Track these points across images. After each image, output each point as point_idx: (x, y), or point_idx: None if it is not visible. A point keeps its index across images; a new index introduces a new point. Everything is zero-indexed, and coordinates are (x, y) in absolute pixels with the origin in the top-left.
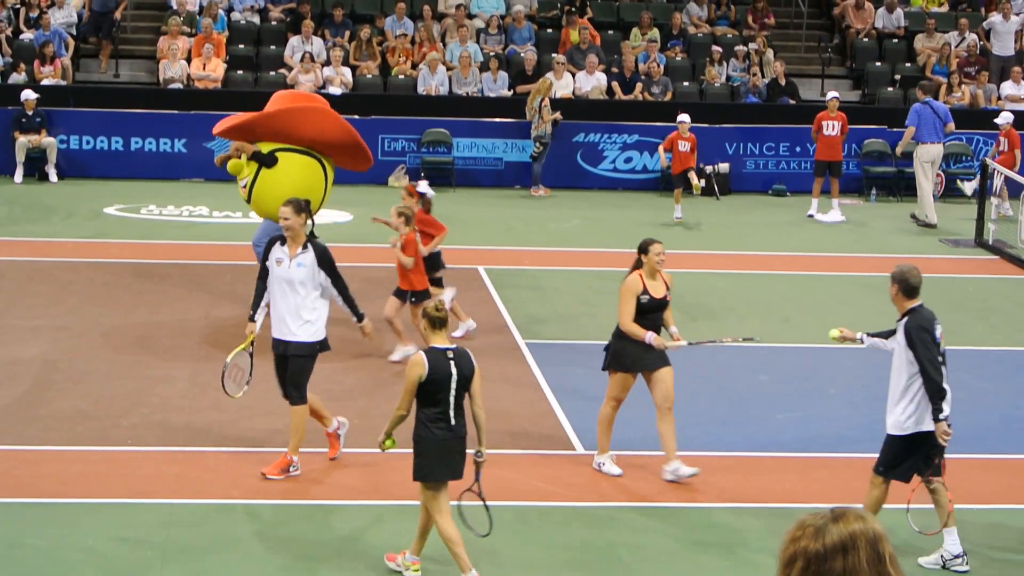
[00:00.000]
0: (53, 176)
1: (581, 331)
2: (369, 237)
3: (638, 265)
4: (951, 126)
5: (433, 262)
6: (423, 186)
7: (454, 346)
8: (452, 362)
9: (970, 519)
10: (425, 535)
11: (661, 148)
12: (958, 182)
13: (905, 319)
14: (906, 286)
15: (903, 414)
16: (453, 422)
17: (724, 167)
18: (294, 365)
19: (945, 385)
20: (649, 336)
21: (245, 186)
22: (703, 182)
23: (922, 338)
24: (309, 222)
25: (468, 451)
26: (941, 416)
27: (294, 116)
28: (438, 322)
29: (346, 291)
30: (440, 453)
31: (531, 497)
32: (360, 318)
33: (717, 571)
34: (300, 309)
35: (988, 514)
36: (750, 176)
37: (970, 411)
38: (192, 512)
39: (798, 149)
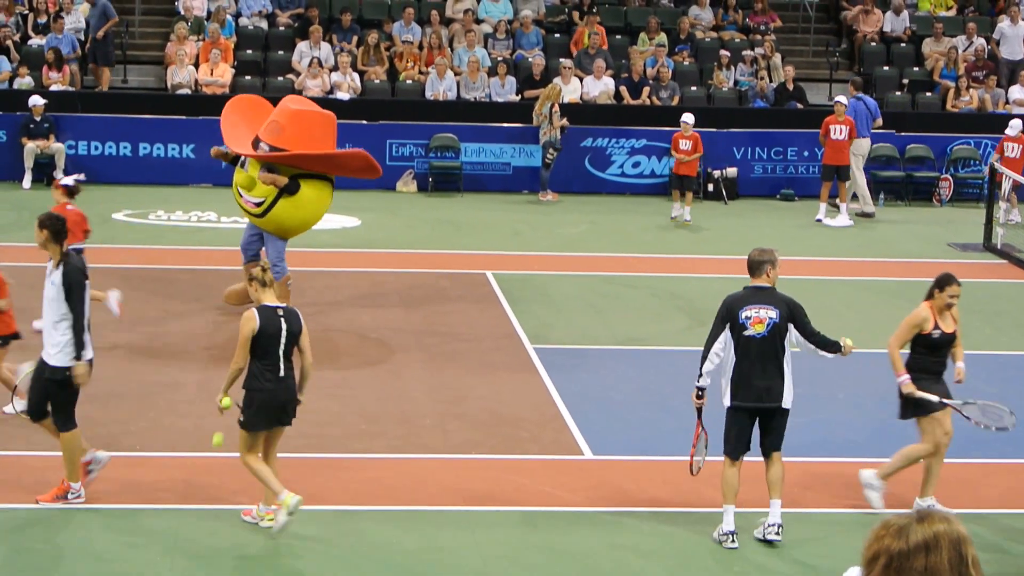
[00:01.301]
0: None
1: (589, 336)
2: (378, 242)
3: (930, 296)
4: (879, 121)
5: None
6: (69, 180)
7: (284, 304)
8: (282, 319)
9: (978, 523)
10: (272, 481)
11: (672, 150)
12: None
13: None
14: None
15: None
16: (282, 374)
17: (732, 172)
18: (49, 388)
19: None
20: (903, 379)
21: (259, 204)
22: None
23: None
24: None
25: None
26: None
27: (339, 160)
28: (266, 282)
29: (78, 322)
30: (268, 403)
31: (539, 502)
32: (79, 357)
33: None
34: (52, 330)
35: (996, 518)
36: (758, 180)
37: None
38: (200, 518)
39: (806, 154)
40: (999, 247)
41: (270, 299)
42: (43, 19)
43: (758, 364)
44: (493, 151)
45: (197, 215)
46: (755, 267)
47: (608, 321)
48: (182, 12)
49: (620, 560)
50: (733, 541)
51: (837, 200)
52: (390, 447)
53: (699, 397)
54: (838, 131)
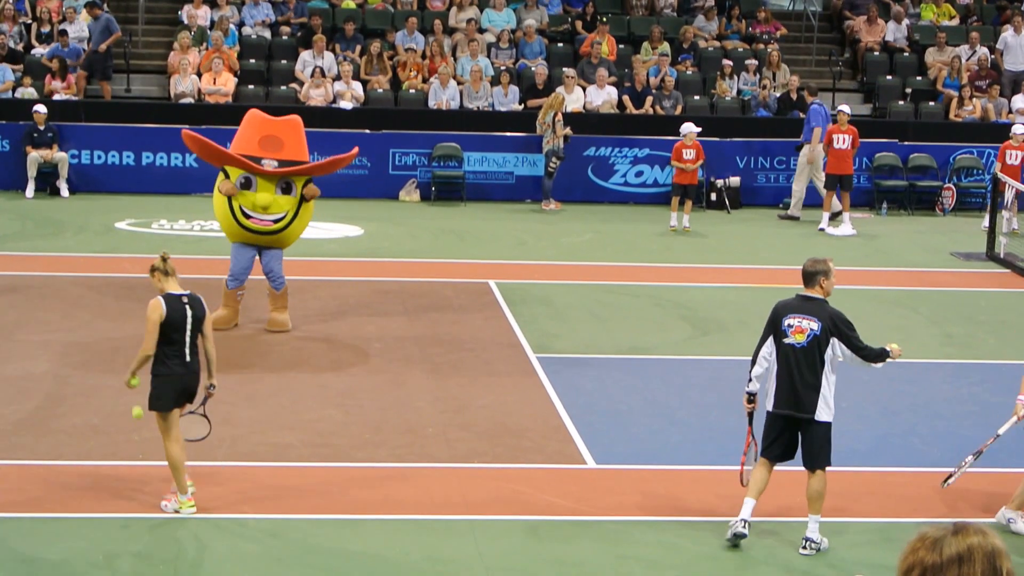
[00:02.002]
0: (65, 191)
1: (593, 345)
2: (381, 251)
3: None
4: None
5: None
6: None
7: (187, 292)
8: (187, 306)
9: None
10: (181, 469)
11: (672, 160)
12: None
13: None
14: None
15: None
16: (188, 359)
17: (735, 181)
18: None
19: None
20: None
21: (280, 219)
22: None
23: None
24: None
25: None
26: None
27: (345, 162)
28: (168, 271)
29: None
30: (175, 386)
31: (542, 511)
32: None
33: None
34: None
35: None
36: (761, 190)
37: (983, 425)
38: (204, 527)
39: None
40: (1002, 256)
41: (174, 287)
42: (46, 28)
43: (795, 373)
44: (496, 160)
45: (200, 224)
46: (808, 277)
47: (611, 330)
48: (185, 22)
49: (624, 570)
50: (742, 526)
51: (839, 211)
52: (394, 456)
53: (749, 401)
54: (841, 140)
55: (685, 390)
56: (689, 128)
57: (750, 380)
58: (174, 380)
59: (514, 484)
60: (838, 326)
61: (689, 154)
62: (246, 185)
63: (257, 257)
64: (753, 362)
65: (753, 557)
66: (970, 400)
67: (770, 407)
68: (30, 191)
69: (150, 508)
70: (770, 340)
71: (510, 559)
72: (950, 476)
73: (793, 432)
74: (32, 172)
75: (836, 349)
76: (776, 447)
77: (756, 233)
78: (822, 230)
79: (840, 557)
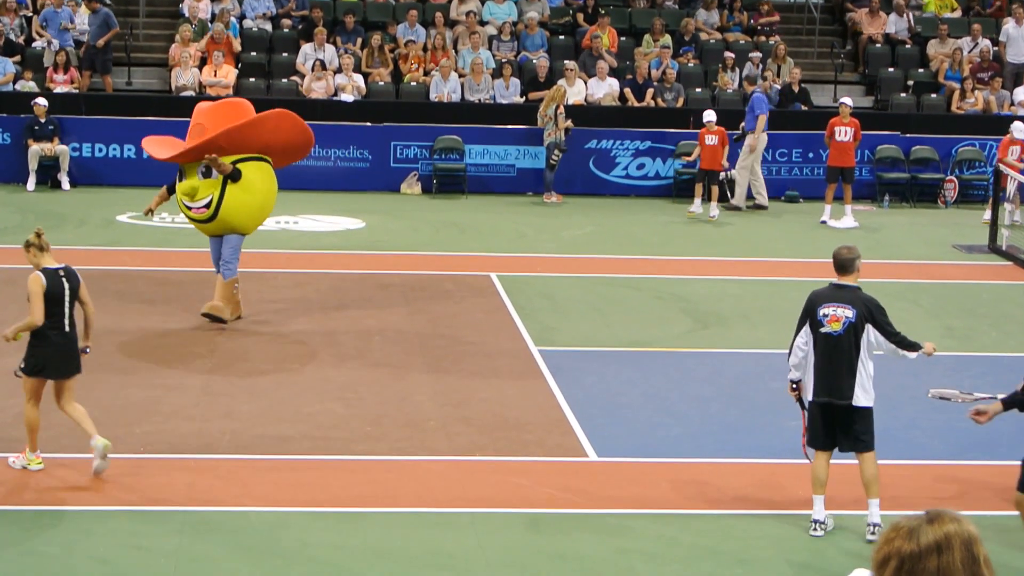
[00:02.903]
0: (66, 184)
1: (594, 338)
2: (382, 244)
3: None
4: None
5: None
6: None
7: (63, 265)
8: (63, 279)
9: (986, 526)
10: (35, 432)
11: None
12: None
13: None
14: None
15: None
16: (67, 329)
17: (735, 173)
18: None
19: None
20: None
21: (208, 204)
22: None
23: None
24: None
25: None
26: None
27: (266, 125)
28: (43, 247)
29: None
30: (54, 354)
31: (543, 504)
32: None
33: None
34: None
35: (1003, 520)
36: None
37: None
38: (204, 520)
39: (811, 155)
40: (1004, 248)
41: (49, 262)
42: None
43: (833, 361)
44: (497, 153)
45: None
46: (846, 264)
47: (612, 323)
48: (186, 14)
49: (625, 564)
50: (816, 529)
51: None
52: (394, 450)
53: (793, 389)
54: (843, 133)
55: (686, 383)
56: (710, 116)
57: (790, 369)
58: (52, 350)
59: (515, 477)
60: (872, 312)
61: (711, 139)
62: (180, 177)
63: None
64: (790, 352)
65: (754, 550)
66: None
67: (810, 397)
68: (31, 184)
69: (151, 501)
70: (806, 330)
71: (511, 552)
72: (944, 396)
73: (834, 420)
74: (33, 165)
75: (871, 336)
76: (823, 436)
77: (757, 226)
78: (823, 223)
79: (842, 551)
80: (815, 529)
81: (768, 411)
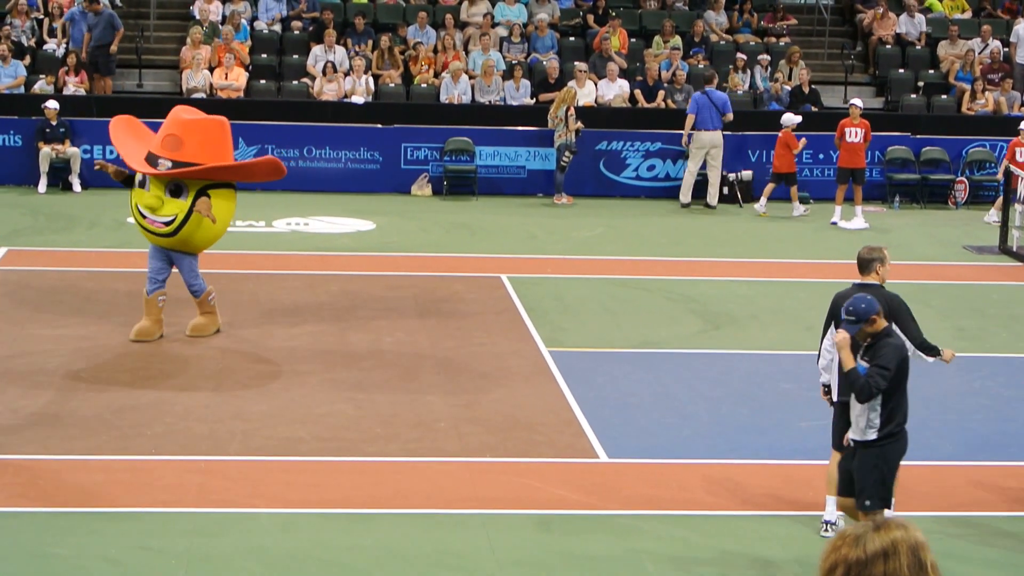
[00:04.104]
0: (77, 186)
1: (604, 340)
2: (392, 245)
3: None
4: (729, 116)
5: None
6: None
7: None
8: None
9: (994, 527)
10: None
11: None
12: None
13: None
14: None
15: None
16: None
17: (747, 174)
18: None
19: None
20: None
21: (170, 222)
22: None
23: None
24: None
25: None
26: None
27: (250, 169)
28: None
29: None
30: None
31: (554, 505)
32: None
33: None
34: None
35: (1013, 522)
36: None
37: (994, 419)
38: (215, 521)
39: (821, 156)
40: (1015, 250)
41: None
42: (58, 23)
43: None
44: (508, 154)
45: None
46: (864, 264)
47: (623, 324)
48: (197, 17)
49: (635, 564)
50: (827, 530)
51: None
52: (405, 451)
53: (825, 394)
54: (853, 134)
55: (696, 384)
56: (790, 120)
57: (820, 373)
58: None
59: (525, 478)
60: (894, 311)
61: (786, 144)
62: (143, 183)
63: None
64: (818, 356)
65: (765, 551)
66: (982, 393)
67: (835, 397)
68: (42, 186)
69: (161, 503)
70: (831, 331)
71: (521, 553)
72: None
73: None
74: (44, 167)
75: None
76: (842, 436)
77: (768, 227)
78: (834, 224)
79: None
80: (826, 530)
81: (779, 412)
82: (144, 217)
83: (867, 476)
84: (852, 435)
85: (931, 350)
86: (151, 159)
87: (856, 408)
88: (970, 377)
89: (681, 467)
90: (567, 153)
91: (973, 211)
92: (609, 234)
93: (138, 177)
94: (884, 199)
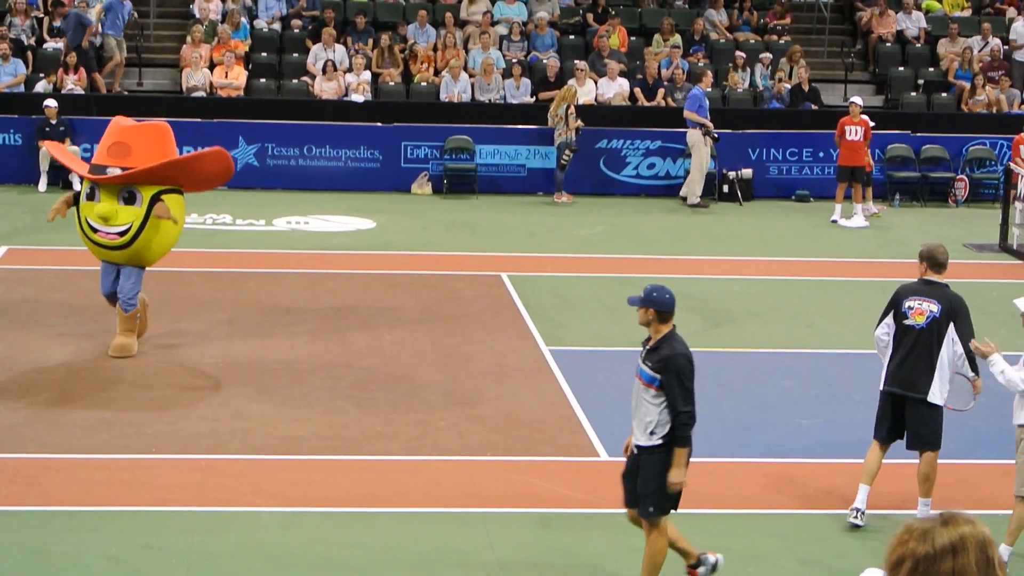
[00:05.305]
0: (77, 185)
1: (605, 338)
2: (393, 244)
3: None
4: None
5: None
6: None
7: None
8: None
9: (996, 525)
10: None
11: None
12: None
13: None
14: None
15: None
16: None
17: (747, 173)
18: None
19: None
20: None
21: (124, 232)
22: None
23: None
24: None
25: None
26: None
27: (202, 162)
28: None
29: None
30: None
31: (554, 504)
32: None
33: None
34: None
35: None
36: (773, 181)
37: (994, 416)
38: (215, 519)
39: (821, 155)
40: (1015, 247)
41: None
42: (58, 22)
43: (912, 354)
44: (508, 153)
45: (212, 217)
46: (941, 263)
47: (623, 322)
48: (197, 15)
49: (634, 562)
50: (856, 517)
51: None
52: (405, 449)
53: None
54: (853, 132)
55: (697, 382)
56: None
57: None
58: None
59: (526, 476)
60: (956, 312)
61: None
62: (91, 196)
63: None
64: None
65: (764, 548)
66: (984, 391)
67: (882, 386)
68: (43, 185)
69: (162, 501)
70: (888, 321)
71: (522, 551)
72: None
73: (901, 413)
74: (44, 166)
75: (953, 334)
76: (884, 426)
77: (768, 225)
78: (834, 222)
79: (854, 549)
80: (856, 517)
81: (779, 410)
82: (96, 231)
83: (651, 482)
84: (637, 441)
85: (974, 368)
86: (97, 169)
87: (643, 413)
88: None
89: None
90: (567, 151)
91: (973, 209)
92: (609, 232)
93: (84, 190)
94: (884, 197)
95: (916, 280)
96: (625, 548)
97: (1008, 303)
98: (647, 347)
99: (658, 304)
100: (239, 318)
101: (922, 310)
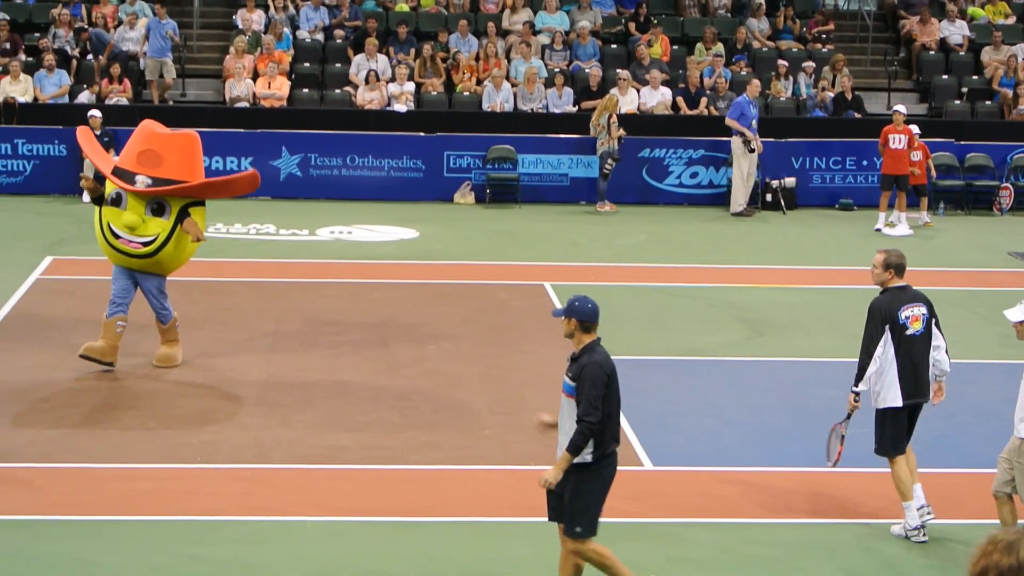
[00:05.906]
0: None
1: (648, 347)
2: (435, 254)
3: None
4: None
5: None
6: None
7: None
8: None
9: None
10: None
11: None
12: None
13: None
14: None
15: None
16: None
17: (790, 181)
18: None
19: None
20: None
21: (150, 242)
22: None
23: None
24: None
25: None
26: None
27: (235, 184)
28: None
29: None
30: None
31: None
32: None
33: None
34: None
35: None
36: (816, 190)
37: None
38: (260, 529)
39: (865, 163)
40: None
41: None
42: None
43: (919, 361)
44: (550, 162)
45: (256, 228)
46: (902, 268)
47: (666, 331)
48: (240, 26)
49: (677, 572)
50: (928, 513)
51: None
52: (449, 459)
53: (856, 400)
54: (897, 140)
55: (740, 391)
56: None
57: (861, 380)
58: None
59: None
60: (931, 305)
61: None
62: (116, 201)
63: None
64: (866, 364)
65: (807, 559)
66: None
67: (899, 403)
68: (87, 196)
69: (208, 511)
70: (885, 338)
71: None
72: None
73: (914, 418)
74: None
75: (935, 329)
76: (903, 439)
77: (811, 234)
78: (878, 230)
79: (891, 557)
80: (928, 512)
81: (824, 419)
82: (118, 237)
83: (579, 501)
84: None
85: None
86: (124, 175)
87: (569, 428)
88: (1014, 383)
89: (725, 475)
90: (610, 160)
91: (1018, 217)
92: (652, 241)
93: (109, 194)
94: (929, 206)
95: (888, 290)
96: (666, 558)
97: None
98: (571, 360)
99: (580, 314)
100: (282, 328)
101: (916, 316)
